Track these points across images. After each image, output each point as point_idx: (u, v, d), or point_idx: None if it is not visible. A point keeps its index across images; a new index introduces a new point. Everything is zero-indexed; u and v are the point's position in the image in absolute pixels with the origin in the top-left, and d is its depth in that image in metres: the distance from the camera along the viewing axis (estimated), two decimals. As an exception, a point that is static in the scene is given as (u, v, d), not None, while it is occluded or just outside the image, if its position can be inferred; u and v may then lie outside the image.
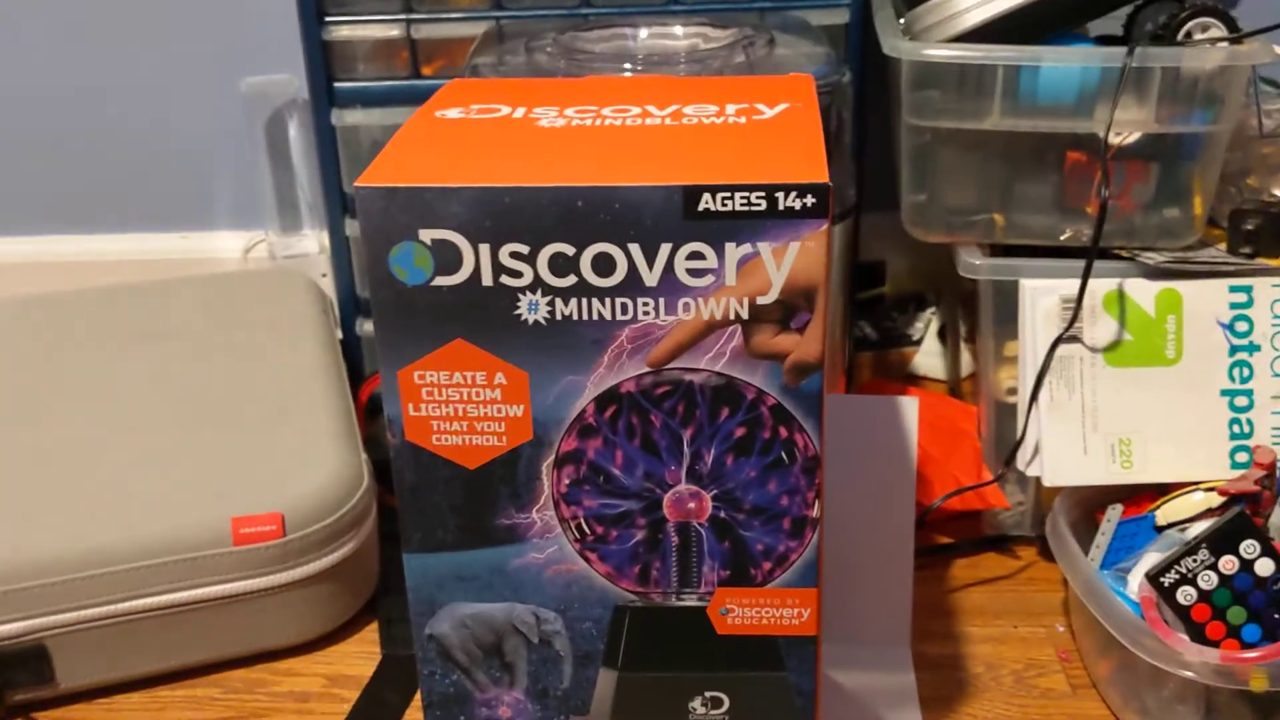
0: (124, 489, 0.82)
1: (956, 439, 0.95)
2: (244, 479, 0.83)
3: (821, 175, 0.51)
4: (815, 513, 0.57)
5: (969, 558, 0.94)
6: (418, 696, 0.82)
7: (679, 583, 0.59)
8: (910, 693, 0.80)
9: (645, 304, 0.53)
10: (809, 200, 0.51)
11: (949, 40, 0.86)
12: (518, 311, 0.54)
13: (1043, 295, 0.82)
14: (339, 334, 1.17)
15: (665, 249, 0.52)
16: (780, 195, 0.51)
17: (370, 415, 1.11)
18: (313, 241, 1.32)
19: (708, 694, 0.61)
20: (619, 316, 0.54)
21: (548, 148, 0.55)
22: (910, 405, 0.79)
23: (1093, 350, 0.81)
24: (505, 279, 0.53)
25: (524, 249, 0.52)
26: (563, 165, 0.53)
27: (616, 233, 0.52)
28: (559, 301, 0.53)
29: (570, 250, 0.52)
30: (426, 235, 0.52)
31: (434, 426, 0.56)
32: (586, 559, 0.59)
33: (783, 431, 0.55)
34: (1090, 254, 0.80)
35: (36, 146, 1.29)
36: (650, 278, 0.53)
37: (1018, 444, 0.84)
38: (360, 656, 0.86)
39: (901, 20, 0.90)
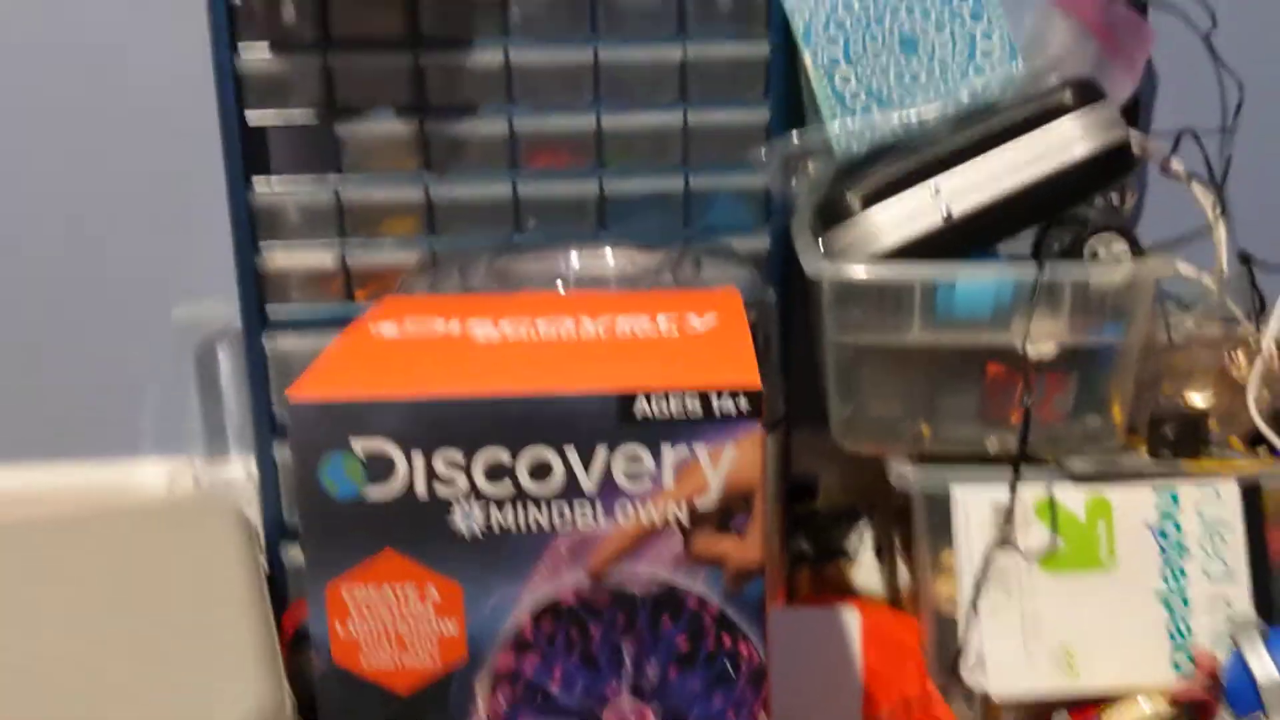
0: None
1: (900, 653, 0.93)
2: (157, 709, 0.78)
3: (753, 378, 0.52)
4: (759, 659, 0.55)
5: (919, 780, 0.91)
6: None
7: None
8: None
9: (583, 510, 0.53)
10: (742, 403, 0.52)
11: (867, 260, 0.90)
12: (451, 523, 0.53)
13: (975, 504, 0.83)
14: (264, 564, 1.14)
15: (602, 453, 0.52)
16: (714, 399, 0.52)
17: (295, 646, 1.07)
18: (239, 469, 1.30)
19: None
20: (556, 524, 0.53)
21: (482, 358, 0.56)
22: (852, 617, 0.78)
23: (1027, 557, 0.82)
24: (439, 487, 0.52)
25: (459, 456, 0.52)
26: (498, 374, 0.53)
27: (553, 439, 0.52)
28: (494, 510, 0.53)
29: (506, 457, 0.52)
30: (359, 445, 0.52)
31: (363, 647, 0.54)
32: (530, 775, 0.56)
33: (726, 641, 0.54)
34: (1017, 462, 0.81)
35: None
36: (588, 483, 0.52)
37: (957, 654, 0.83)
38: None
39: (819, 241, 0.94)
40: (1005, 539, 0.81)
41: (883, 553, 1.15)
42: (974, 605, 0.81)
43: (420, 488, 0.52)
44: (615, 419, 0.51)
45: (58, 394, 1.30)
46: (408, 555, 0.53)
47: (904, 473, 0.86)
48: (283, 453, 1.10)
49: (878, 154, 0.96)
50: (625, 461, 0.52)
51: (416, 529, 0.53)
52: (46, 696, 0.81)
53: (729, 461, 0.52)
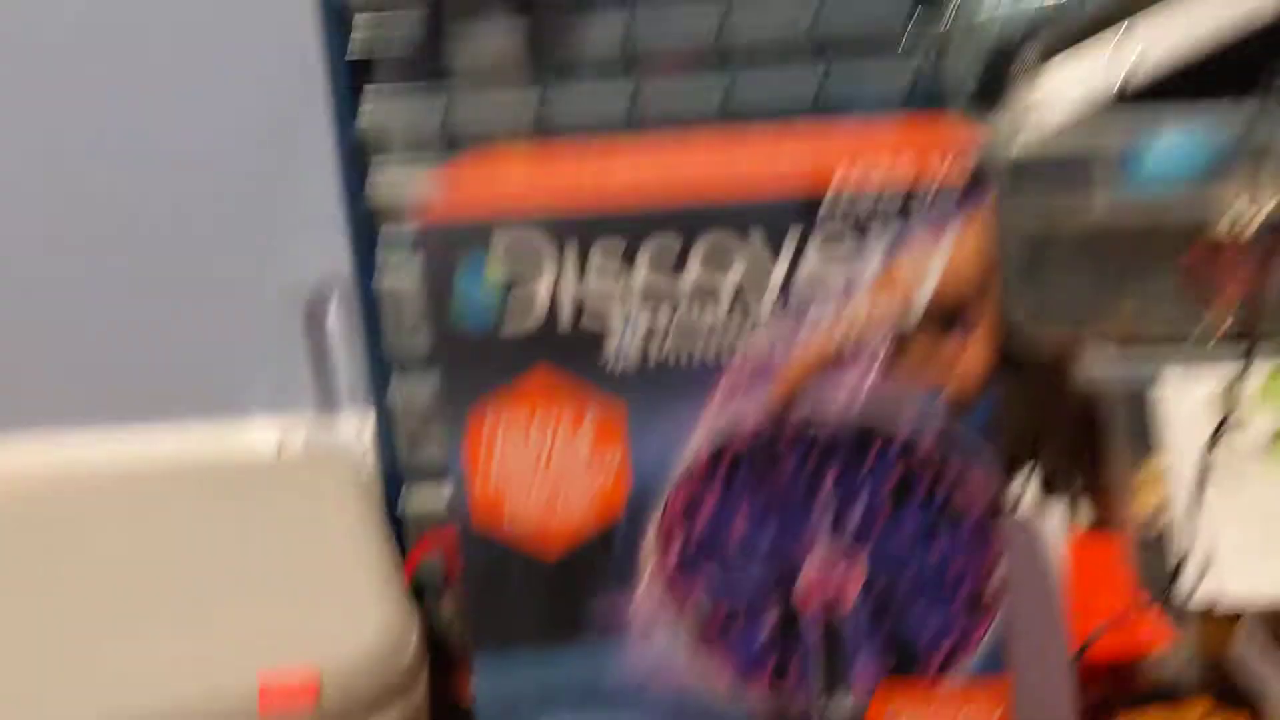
0: (128, 655, 0.70)
1: (1098, 579, 0.82)
2: (274, 634, 0.71)
3: (971, 150, 0.43)
4: (995, 583, 0.45)
5: (1132, 716, 0.80)
6: None
7: (825, 685, 0.46)
8: None
9: (769, 319, 0.44)
10: (962, 176, 0.42)
11: (1046, 132, 0.80)
12: (610, 341, 0.44)
13: (1188, 390, 0.72)
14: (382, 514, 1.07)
15: (793, 245, 0.43)
16: (928, 179, 0.43)
17: (414, 595, 0.99)
18: (352, 426, 1.24)
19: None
20: (737, 338, 0.44)
21: (642, 158, 0.47)
22: (1054, 523, 0.67)
23: (1256, 446, 0.70)
24: (596, 295, 0.44)
25: (620, 252, 0.43)
26: (666, 168, 0.45)
27: (735, 225, 0.43)
28: (662, 323, 0.44)
29: (676, 251, 0.43)
30: (501, 244, 0.43)
31: (507, 505, 0.46)
32: (703, 660, 0.47)
33: (948, 477, 0.44)
34: (1251, 338, 0.70)
35: (48, 334, 1.23)
36: (775, 283, 0.43)
37: (1178, 566, 0.71)
38: None
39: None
40: (1228, 426, 0.70)
41: (1055, 487, 1.04)
42: (1194, 507, 0.70)
43: (573, 298, 0.44)
44: (807, 209, 0.42)
45: (162, 353, 1.25)
46: (562, 374, 0.44)
47: (1098, 367, 0.75)
48: (400, 395, 1.03)
49: (1036, 27, 0.86)
50: (821, 254, 0.43)
51: (569, 351, 0.44)
52: (138, 625, 0.74)
53: (949, 250, 0.42)
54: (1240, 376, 0.70)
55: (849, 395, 0.44)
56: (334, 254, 1.15)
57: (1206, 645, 0.79)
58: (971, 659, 0.45)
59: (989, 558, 0.44)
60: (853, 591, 0.45)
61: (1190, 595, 0.71)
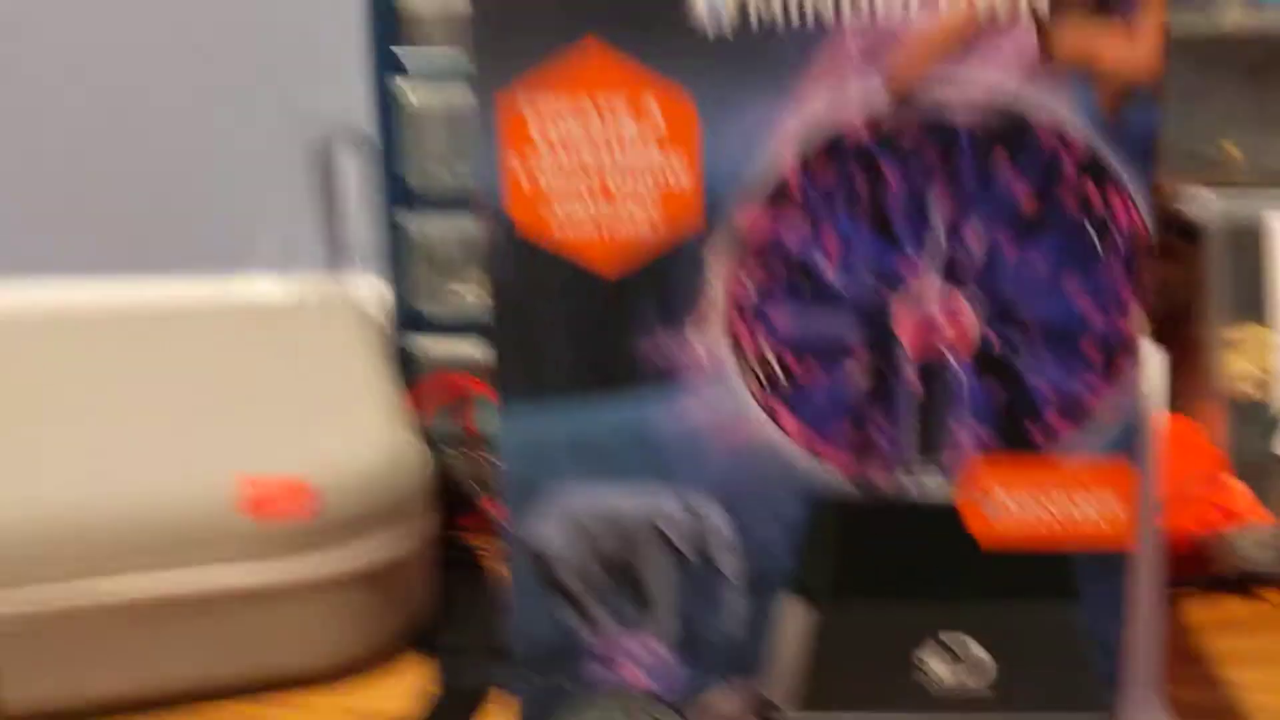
0: (109, 447, 0.63)
1: (1183, 452, 0.74)
2: (268, 439, 0.64)
3: None
4: (1135, 332, 0.37)
5: (1204, 600, 0.72)
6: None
7: (917, 452, 0.39)
8: (1173, 748, 0.57)
9: (887, -21, 0.35)
10: None
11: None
12: (673, 16, 0.36)
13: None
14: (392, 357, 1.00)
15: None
16: None
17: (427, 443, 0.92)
18: (363, 284, 1.17)
19: (946, 639, 0.40)
20: (841, 10, 0.36)
21: None
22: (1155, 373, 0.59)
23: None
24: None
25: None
26: None
27: None
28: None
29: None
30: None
31: (552, 201, 0.38)
32: (773, 415, 0.39)
33: (1094, 197, 0.36)
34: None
35: (48, 181, 1.16)
36: (896, -59, 0.35)
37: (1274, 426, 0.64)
38: (404, 693, 0.64)
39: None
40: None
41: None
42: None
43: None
44: None
45: (164, 203, 1.17)
46: (619, 49, 0.36)
47: (1203, 201, 0.67)
48: (416, 223, 0.95)
49: None
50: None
51: (623, 19, 0.36)
52: (124, 422, 0.67)
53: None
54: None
55: (979, 87, 0.35)
56: (349, 97, 1.08)
57: (1296, 530, 0.72)
58: (1096, 433, 0.37)
59: (1130, 307, 0.36)
60: (961, 339, 0.37)
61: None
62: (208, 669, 0.61)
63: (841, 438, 0.38)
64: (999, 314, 0.36)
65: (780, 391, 0.38)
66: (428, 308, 0.99)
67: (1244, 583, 0.72)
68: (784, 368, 0.38)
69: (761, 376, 0.38)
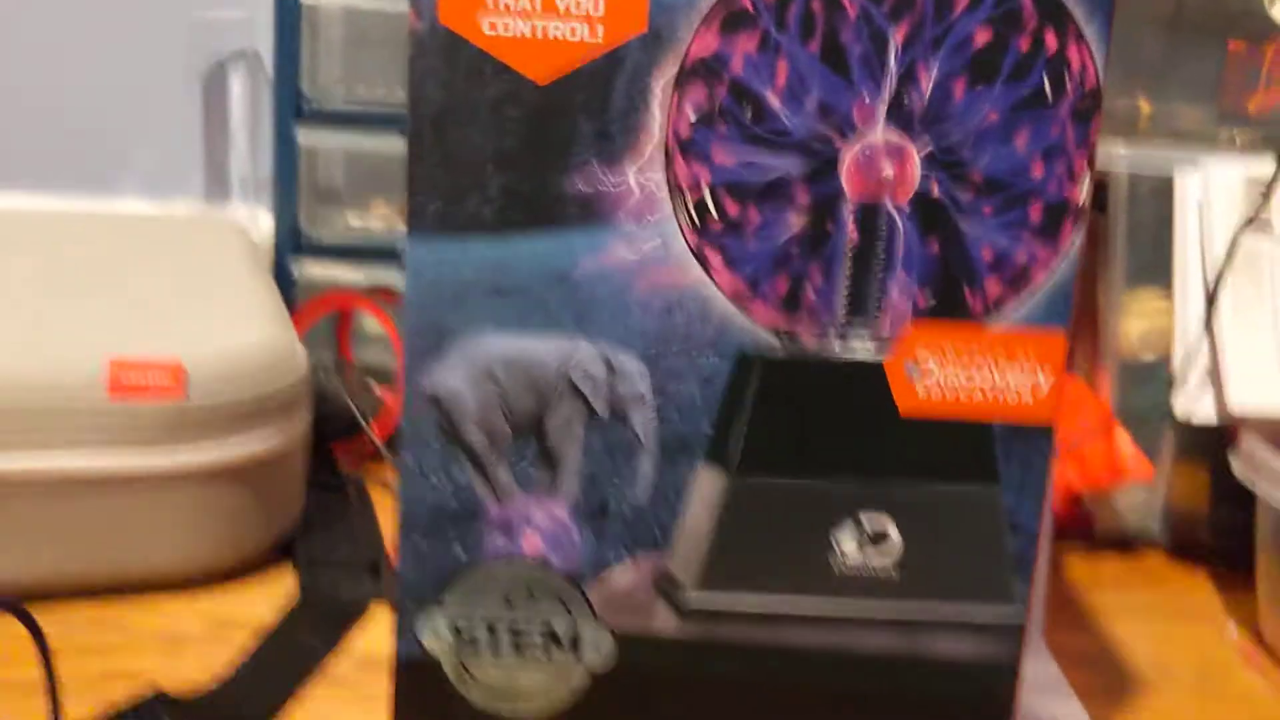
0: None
1: (1073, 404, 0.74)
2: (141, 326, 0.60)
3: None
4: (1083, 197, 0.36)
5: (1084, 559, 0.73)
6: (358, 650, 0.57)
7: (848, 311, 0.37)
8: (1059, 682, 0.57)
9: None
10: None
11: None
12: None
13: (1223, 174, 0.64)
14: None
15: None
16: None
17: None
18: (246, 211, 1.11)
19: (866, 519, 0.38)
20: None
21: None
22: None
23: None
24: None
25: None
26: None
27: None
28: None
29: None
30: None
31: (489, 0, 0.35)
32: (704, 263, 0.37)
33: (1050, 41, 0.35)
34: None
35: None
36: None
37: (1185, 369, 0.64)
38: (266, 602, 0.60)
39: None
40: (1259, 219, 0.63)
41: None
42: (1210, 303, 0.63)
43: None
44: None
45: (39, 117, 1.10)
46: None
47: (1115, 151, 0.67)
48: (308, 136, 0.91)
49: None
50: None
51: None
52: (24, 323, 0.61)
53: None
54: (1277, 174, 0.63)
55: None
56: (247, 11, 1.04)
57: (1174, 492, 0.73)
58: (1031, 298, 0.36)
59: (1079, 169, 0.35)
60: (905, 188, 0.35)
61: (1192, 405, 0.64)
62: (59, 564, 0.56)
63: (773, 289, 0.36)
64: (946, 164, 0.35)
65: (714, 236, 0.36)
66: (312, 230, 0.95)
67: (1125, 542, 0.73)
68: (720, 209, 0.35)
69: (696, 218, 0.36)
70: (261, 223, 1.01)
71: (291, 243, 0.93)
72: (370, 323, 0.88)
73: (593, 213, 0.36)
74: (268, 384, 0.60)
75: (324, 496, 0.72)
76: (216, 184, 1.12)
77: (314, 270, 0.94)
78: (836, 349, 0.36)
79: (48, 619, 0.56)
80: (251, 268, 0.76)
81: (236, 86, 1.10)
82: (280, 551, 0.65)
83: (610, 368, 0.37)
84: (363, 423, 0.75)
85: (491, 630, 0.39)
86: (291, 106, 0.89)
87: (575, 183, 0.35)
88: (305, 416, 0.65)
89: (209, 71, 1.08)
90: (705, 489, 0.37)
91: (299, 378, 0.62)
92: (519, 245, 0.36)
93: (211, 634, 0.56)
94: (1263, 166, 0.64)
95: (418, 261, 0.36)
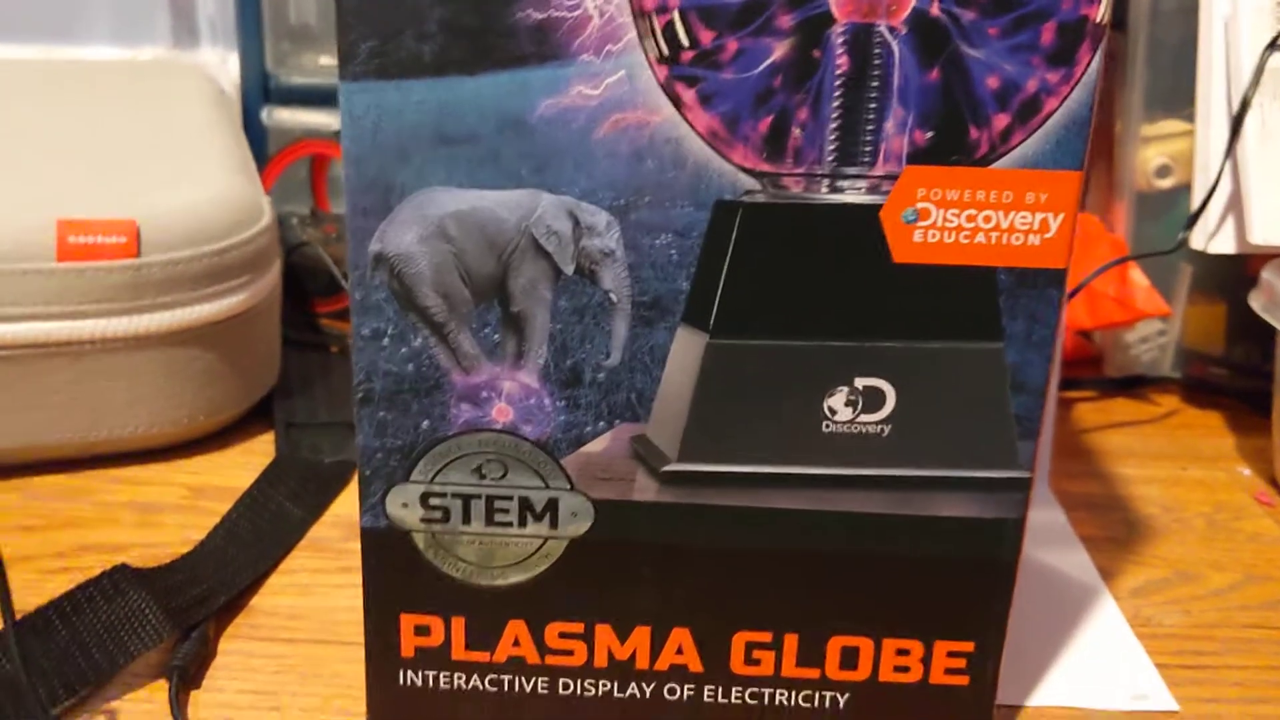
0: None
1: (1085, 240, 0.71)
2: (89, 181, 0.56)
3: None
4: (1102, 11, 0.32)
5: (1094, 402, 0.70)
6: (332, 514, 0.56)
7: (838, 150, 0.33)
8: (1065, 531, 0.55)
9: None
10: None
11: None
12: None
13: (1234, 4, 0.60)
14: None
15: None
16: None
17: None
18: (213, 56, 1.06)
19: (859, 383, 0.35)
20: None
21: None
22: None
23: (1317, 65, 0.59)
24: None
25: None
26: None
27: None
28: None
29: None
30: None
31: None
32: (676, 101, 0.33)
33: None
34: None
35: None
36: None
37: (1207, 197, 0.60)
38: (244, 468, 0.59)
39: None
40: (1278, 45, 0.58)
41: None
42: (1233, 132, 0.59)
43: None
44: None
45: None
46: None
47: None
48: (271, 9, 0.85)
49: None
50: None
51: None
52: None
53: None
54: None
55: None
56: None
57: (1189, 329, 0.70)
58: (1043, 132, 0.33)
59: (1080, 56, 0.31)
60: (900, 6, 0.31)
61: (1210, 237, 0.60)
62: (25, 434, 0.54)
63: (754, 129, 0.32)
64: (926, 48, 0.31)
65: (686, 68, 0.32)
66: (283, 75, 0.90)
67: (1137, 382, 0.71)
68: (692, 39, 0.31)
69: (665, 48, 0.32)
70: (231, 67, 0.96)
71: (260, 88, 0.88)
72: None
73: (546, 46, 0.32)
74: (229, 238, 0.57)
75: (304, 355, 0.69)
76: (184, 27, 1.06)
77: (285, 116, 0.90)
78: (825, 194, 0.33)
79: (17, 491, 0.55)
80: (215, 116, 0.72)
81: (198, -82, 1.04)
82: (259, 414, 0.63)
83: (576, 222, 0.33)
84: (340, 278, 0.71)
85: (464, 502, 0.37)
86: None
87: (525, 11, 0.31)
88: (275, 273, 0.62)
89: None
90: (682, 351, 0.34)
91: (263, 230, 0.59)
92: (465, 86, 0.32)
93: (188, 503, 0.55)
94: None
95: (354, 109, 0.32)
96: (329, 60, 0.92)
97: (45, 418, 0.54)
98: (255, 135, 0.88)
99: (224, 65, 1.01)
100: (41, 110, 0.67)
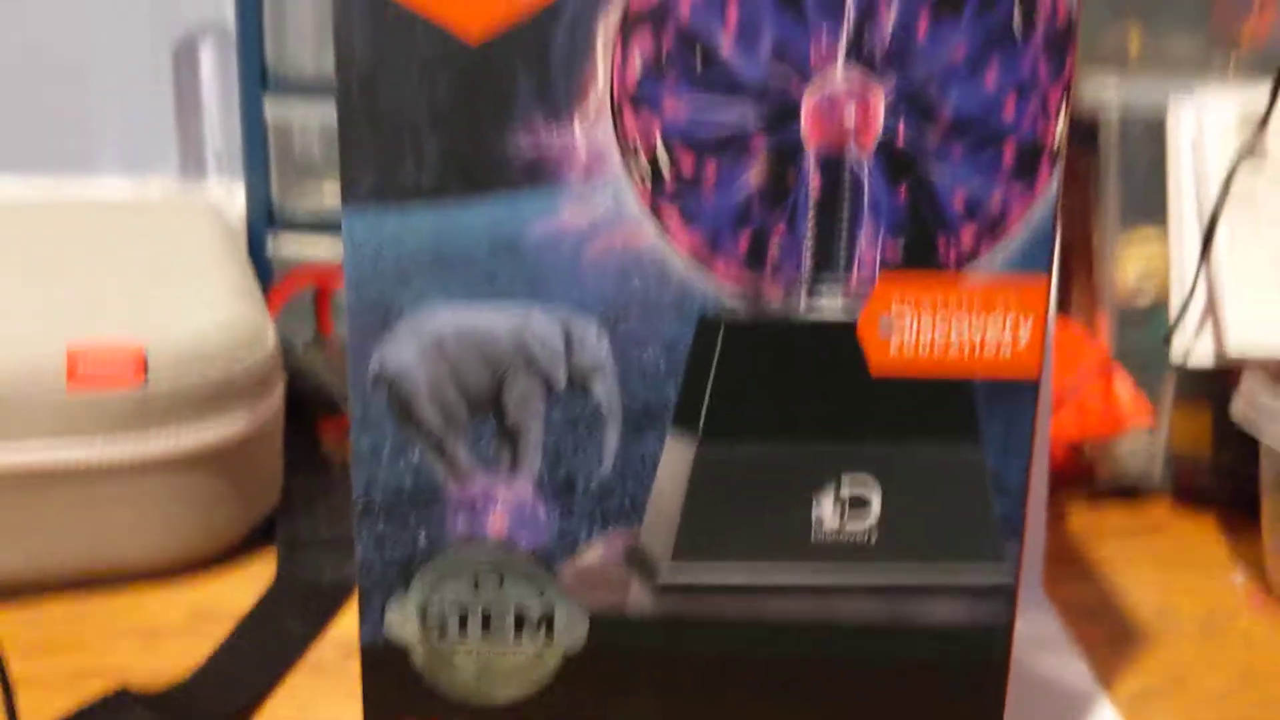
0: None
1: (1071, 351, 0.73)
2: (98, 309, 0.58)
3: None
4: (1058, 135, 0.34)
5: (1086, 510, 0.71)
6: (334, 633, 0.56)
7: (814, 266, 0.35)
8: (1059, 637, 0.55)
9: None
10: None
11: None
12: None
13: (1215, 107, 0.62)
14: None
15: None
16: None
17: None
18: (219, 191, 1.09)
19: (846, 485, 0.36)
20: None
21: None
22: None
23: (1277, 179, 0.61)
24: None
25: None
26: None
27: None
28: None
29: None
30: None
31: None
32: (661, 220, 0.35)
33: (1015, -28, 0.33)
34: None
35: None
36: None
37: (1182, 312, 0.62)
38: (246, 589, 0.59)
39: None
40: (1254, 154, 0.60)
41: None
42: (1205, 245, 0.61)
43: None
44: None
45: (8, 98, 1.08)
46: None
47: (1104, 90, 0.65)
48: (276, 108, 0.88)
49: None
50: None
51: None
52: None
53: None
54: (1271, 105, 0.60)
55: None
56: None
57: (1175, 437, 0.71)
58: (1009, 245, 0.34)
59: (1053, 100, 0.33)
60: (869, 132, 0.33)
61: (1188, 348, 0.62)
62: (29, 559, 0.55)
63: (734, 247, 0.34)
64: (912, 105, 0.33)
65: (669, 192, 0.34)
66: (288, 205, 0.93)
67: (1127, 489, 0.71)
68: (674, 164, 0.33)
69: (649, 174, 0.34)
70: (237, 198, 0.99)
71: (265, 218, 0.91)
72: (349, 297, 0.87)
73: (538, 174, 0.33)
74: (234, 364, 0.58)
75: (306, 476, 0.70)
76: (192, 160, 1.10)
77: (290, 245, 0.92)
78: (804, 307, 0.34)
79: (19, 616, 0.55)
80: (222, 245, 0.74)
81: (207, 60, 1.08)
82: (261, 535, 0.64)
83: (567, 336, 0.35)
84: (341, 400, 0.73)
85: (461, 615, 0.38)
86: (257, 79, 0.87)
87: (518, 142, 0.33)
88: (278, 396, 0.63)
89: (179, 46, 1.06)
90: (673, 459, 0.35)
91: (268, 356, 0.61)
92: (462, 212, 0.34)
93: (191, 626, 0.55)
94: (1257, 97, 0.61)
95: (355, 235, 0.34)
96: (332, 191, 0.95)
97: (50, 542, 0.55)
98: (261, 263, 0.90)
99: (230, 196, 1.04)
100: (52, 241, 0.70)
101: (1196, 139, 0.62)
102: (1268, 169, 0.61)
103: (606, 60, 0.33)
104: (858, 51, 0.33)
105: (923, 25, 0.32)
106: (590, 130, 0.33)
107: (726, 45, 0.33)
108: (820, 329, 0.35)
